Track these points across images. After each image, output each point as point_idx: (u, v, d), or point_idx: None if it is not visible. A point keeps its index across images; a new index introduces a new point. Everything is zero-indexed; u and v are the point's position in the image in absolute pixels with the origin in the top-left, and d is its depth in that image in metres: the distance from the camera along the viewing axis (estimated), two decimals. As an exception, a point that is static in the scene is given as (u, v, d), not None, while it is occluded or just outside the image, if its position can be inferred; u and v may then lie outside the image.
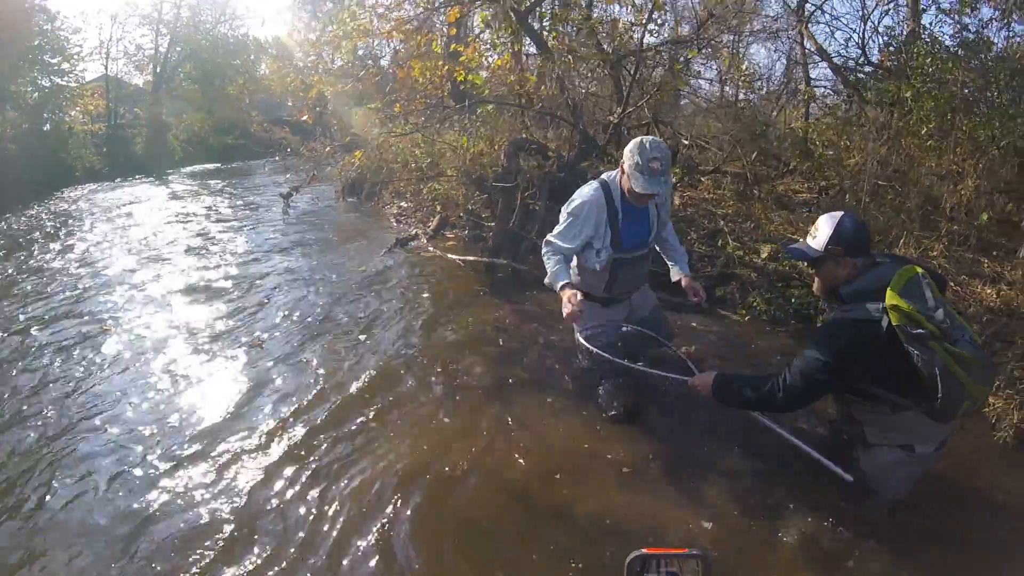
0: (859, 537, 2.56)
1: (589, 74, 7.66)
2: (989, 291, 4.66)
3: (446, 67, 6.88)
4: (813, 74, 8.57)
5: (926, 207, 5.63)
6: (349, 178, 9.28)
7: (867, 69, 7.29)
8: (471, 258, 5.79)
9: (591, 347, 3.05)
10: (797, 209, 6.52)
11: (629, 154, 2.84)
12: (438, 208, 7.13)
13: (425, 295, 5.24)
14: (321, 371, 4.04)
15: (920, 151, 5.33)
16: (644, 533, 2.59)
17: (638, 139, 2.85)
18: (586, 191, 3.08)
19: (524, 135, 6.37)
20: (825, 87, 8.84)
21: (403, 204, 8.48)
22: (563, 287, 3.00)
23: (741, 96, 9.03)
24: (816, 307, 4.82)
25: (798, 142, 7.16)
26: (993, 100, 5.14)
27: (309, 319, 4.87)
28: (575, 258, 3.22)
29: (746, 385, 2.58)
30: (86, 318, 5.07)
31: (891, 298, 2.17)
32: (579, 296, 2.96)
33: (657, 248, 3.46)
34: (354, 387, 3.82)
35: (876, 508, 2.62)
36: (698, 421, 3.37)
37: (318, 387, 3.83)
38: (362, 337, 4.50)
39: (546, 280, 3.19)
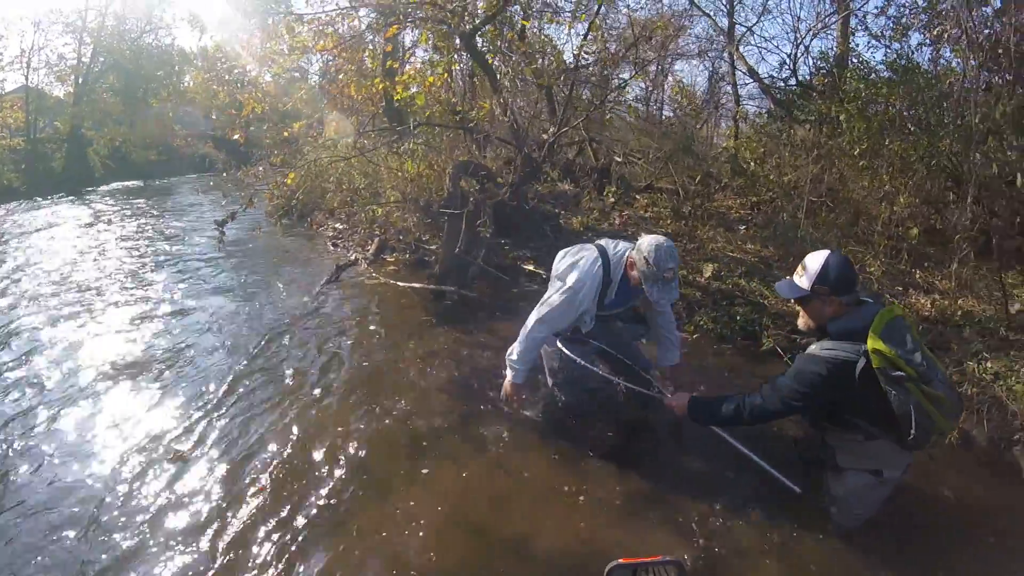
0: (830, 544, 2.68)
1: (539, 96, 7.67)
2: (924, 301, 4.87)
3: (382, 85, 6.73)
4: (742, 93, 8.90)
5: (859, 222, 5.86)
6: (281, 200, 8.97)
7: (796, 88, 7.54)
8: (417, 285, 5.63)
9: (572, 355, 3.25)
10: (733, 226, 6.69)
11: (644, 259, 2.84)
12: (377, 231, 6.93)
13: (371, 327, 5.02)
14: (258, 424, 3.70)
15: (853, 171, 5.53)
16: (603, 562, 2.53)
17: (653, 243, 2.84)
18: (586, 266, 3.07)
19: (465, 157, 6.29)
20: (755, 107, 9.19)
21: (338, 226, 8.23)
22: (515, 385, 3.30)
23: (667, 113, 9.32)
24: (760, 324, 4.91)
25: (729, 159, 7.37)
26: (921, 121, 5.39)
27: (240, 365, 4.40)
28: None
29: (719, 404, 2.73)
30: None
31: (873, 342, 2.27)
32: (519, 398, 3.39)
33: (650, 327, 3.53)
34: (295, 433, 3.57)
35: (844, 527, 2.72)
36: (654, 448, 3.41)
37: (250, 443, 3.50)
38: (305, 377, 4.21)
39: (508, 356, 3.26)
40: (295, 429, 3.59)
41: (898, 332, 2.31)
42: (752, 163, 7.00)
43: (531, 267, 6.14)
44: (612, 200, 7.26)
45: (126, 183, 17.78)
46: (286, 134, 6.97)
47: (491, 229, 5.45)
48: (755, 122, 8.32)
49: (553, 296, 3.12)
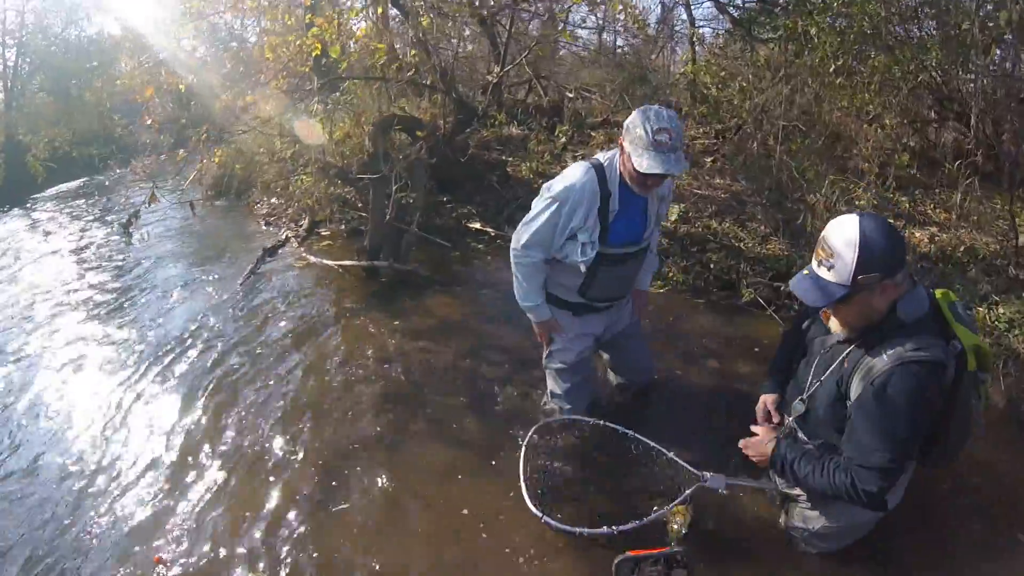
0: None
1: (459, 34, 6.90)
2: (920, 235, 4.29)
3: (299, 41, 5.95)
4: (696, 15, 8.18)
5: (837, 147, 5.23)
6: (211, 179, 8.20)
7: (755, 4, 6.82)
8: (348, 263, 4.95)
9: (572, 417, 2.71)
10: (699, 160, 6.03)
11: (629, 127, 2.20)
12: (309, 203, 6.20)
13: (296, 319, 4.33)
14: (167, 449, 3.16)
15: (829, 90, 4.87)
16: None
17: (640, 109, 2.19)
18: (574, 173, 2.39)
19: (395, 111, 5.55)
20: (711, 28, 8.46)
21: (273, 201, 7.45)
22: (541, 324, 2.72)
23: (620, 43, 8.64)
24: (738, 272, 4.33)
25: (688, 85, 6.66)
26: (907, 35, 4.71)
27: (142, 379, 3.79)
28: None
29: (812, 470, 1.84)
30: None
31: (969, 337, 1.69)
32: (559, 328, 2.72)
33: None
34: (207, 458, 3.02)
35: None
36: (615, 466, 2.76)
37: (164, 464, 3.02)
38: (214, 395, 3.55)
39: (518, 299, 2.66)
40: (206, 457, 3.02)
41: (970, 321, 1.74)
42: (713, 88, 6.29)
43: (477, 225, 5.48)
44: (563, 140, 6.57)
45: (70, 184, 16.88)
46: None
47: (424, 188, 4.78)
48: (713, 44, 7.60)
49: (536, 207, 2.45)
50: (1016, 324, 3.32)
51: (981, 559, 2.29)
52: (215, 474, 2.90)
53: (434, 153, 4.97)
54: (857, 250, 1.60)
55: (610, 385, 3.22)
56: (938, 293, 1.79)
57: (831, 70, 4.73)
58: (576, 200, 2.33)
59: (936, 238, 4.28)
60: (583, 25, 8.52)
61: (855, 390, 1.73)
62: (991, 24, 3.89)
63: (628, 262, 2.55)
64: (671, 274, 4.46)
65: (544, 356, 2.89)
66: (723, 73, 6.48)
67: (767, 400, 2.18)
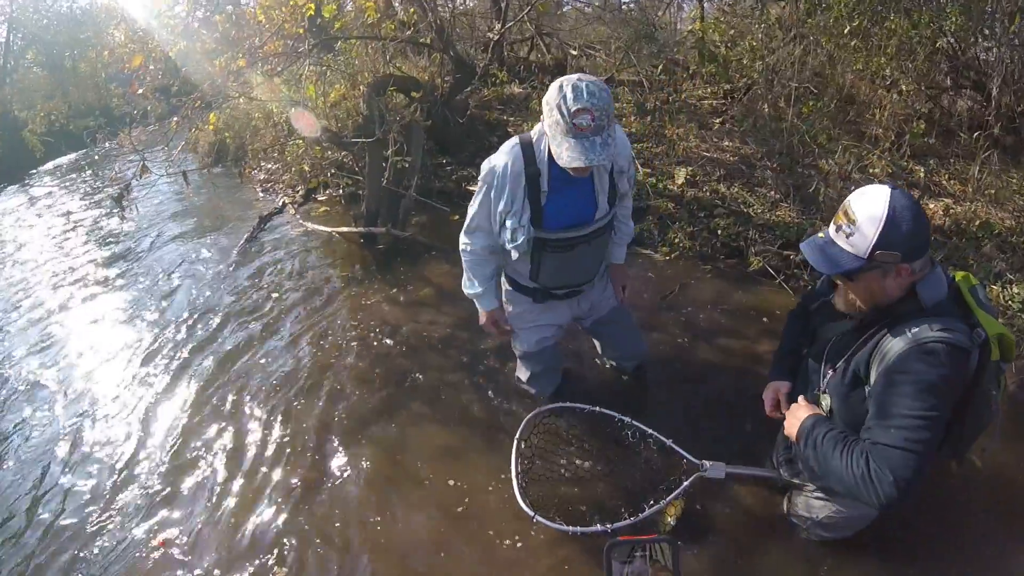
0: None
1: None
2: (934, 207, 4.11)
3: (292, 1, 5.74)
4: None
5: (849, 112, 5.03)
6: (206, 146, 8.03)
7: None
8: (345, 229, 4.81)
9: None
10: (707, 121, 5.83)
11: (547, 107, 1.87)
12: (305, 168, 6.04)
13: (292, 290, 4.22)
14: (167, 430, 3.11)
15: (843, 52, 4.64)
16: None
17: (559, 82, 1.85)
18: (499, 152, 2.14)
19: (392, 71, 5.34)
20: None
21: (270, 166, 7.26)
22: (487, 314, 2.53)
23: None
24: (746, 238, 4.18)
25: (696, 43, 6.40)
26: None
27: (142, 357, 3.71)
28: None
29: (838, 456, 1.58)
30: None
31: (993, 325, 1.54)
32: (505, 322, 2.57)
33: None
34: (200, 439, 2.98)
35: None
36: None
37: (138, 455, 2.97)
38: (208, 371, 3.47)
39: (464, 290, 2.49)
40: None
41: (991, 307, 1.62)
42: (723, 47, 6.04)
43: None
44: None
45: (69, 157, 16.76)
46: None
47: (422, 150, 4.61)
48: (723, 1, 7.31)
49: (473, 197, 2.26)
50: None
51: (985, 549, 2.20)
52: (211, 453, 2.85)
53: (431, 114, 4.78)
54: (882, 223, 1.46)
55: (602, 367, 3.09)
56: (958, 276, 1.65)
57: (846, 31, 4.51)
58: (500, 183, 2.10)
59: (951, 210, 4.10)
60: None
61: (874, 374, 1.59)
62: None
63: (577, 247, 2.23)
64: (677, 239, 4.31)
65: (512, 341, 2.76)
66: (732, 31, 6.24)
67: (779, 389, 1.98)
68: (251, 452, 2.81)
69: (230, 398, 3.18)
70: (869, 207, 1.49)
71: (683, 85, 6.25)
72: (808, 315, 2.03)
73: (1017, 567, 2.11)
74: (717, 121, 5.76)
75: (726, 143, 5.46)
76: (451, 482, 2.53)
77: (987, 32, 4.21)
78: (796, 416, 1.76)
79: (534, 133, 2.09)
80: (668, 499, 2.01)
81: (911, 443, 1.45)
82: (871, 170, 4.37)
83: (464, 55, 5.95)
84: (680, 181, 4.77)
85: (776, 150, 4.90)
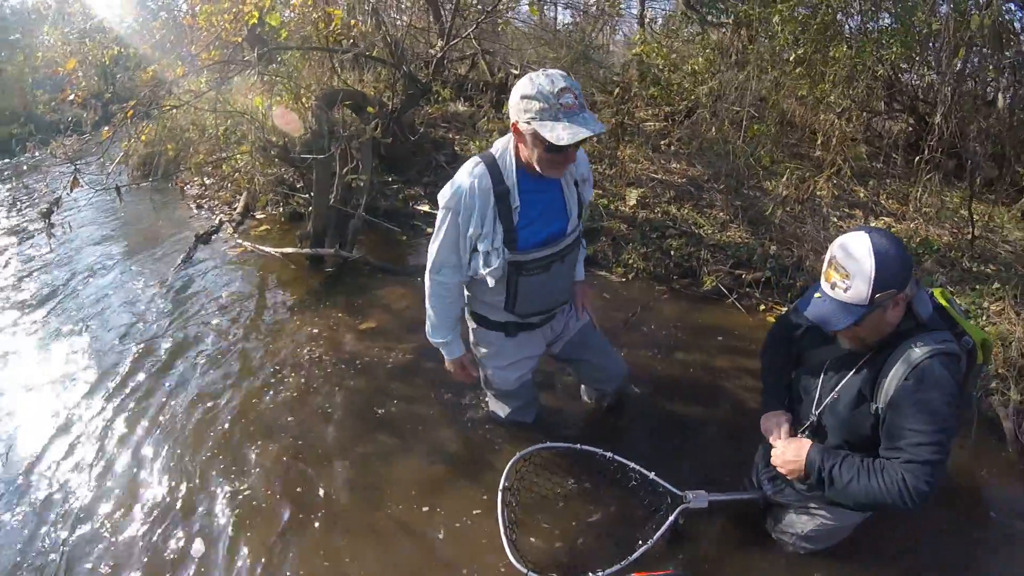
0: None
1: (404, 4, 6.56)
2: (874, 225, 4.30)
3: (235, 8, 5.48)
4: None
5: (790, 135, 5.23)
6: (138, 159, 7.58)
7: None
8: (291, 250, 4.59)
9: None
10: (655, 143, 5.93)
11: (522, 101, 1.80)
12: (243, 184, 5.76)
13: (236, 317, 3.89)
14: (101, 481, 2.75)
15: (788, 78, 4.82)
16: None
17: (525, 78, 1.82)
18: (461, 173, 2.04)
19: (337, 85, 5.19)
20: (661, 8, 8.43)
21: (206, 181, 6.92)
22: (453, 362, 2.42)
23: (565, 20, 8.50)
24: (698, 258, 4.24)
25: (639, 65, 6.53)
26: (866, 29, 4.69)
27: (70, 392, 3.27)
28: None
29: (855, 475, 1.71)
30: None
31: (977, 332, 1.73)
32: (473, 369, 2.47)
33: None
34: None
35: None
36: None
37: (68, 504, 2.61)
38: (148, 414, 3.05)
39: (428, 337, 2.37)
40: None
41: (967, 317, 1.78)
42: (666, 70, 6.17)
43: (426, 207, 5.22)
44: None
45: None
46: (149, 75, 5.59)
47: (371, 169, 4.47)
48: (665, 26, 7.50)
49: (437, 221, 2.12)
50: (970, 315, 3.35)
51: (962, 549, 2.30)
52: (152, 508, 2.50)
53: (386, 131, 4.65)
54: (874, 269, 1.56)
55: (584, 401, 2.99)
56: (936, 292, 1.80)
57: (791, 59, 4.69)
58: (468, 204, 1.99)
59: (892, 228, 4.31)
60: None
61: (887, 389, 1.67)
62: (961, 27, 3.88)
63: (553, 266, 2.14)
64: (631, 260, 4.34)
65: (481, 380, 2.62)
66: (673, 56, 6.40)
67: (781, 420, 1.99)
68: (203, 504, 2.49)
69: (169, 444, 2.82)
70: (857, 258, 1.58)
71: (634, 106, 6.33)
72: (792, 342, 2.07)
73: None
74: (663, 143, 5.86)
75: (674, 165, 5.57)
76: (430, 526, 2.36)
77: (931, 63, 4.45)
78: (789, 467, 1.86)
79: (495, 150, 2.02)
80: (655, 537, 1.96)
81: (937, 454, 1.59)
82: (818, 192, 4.53)
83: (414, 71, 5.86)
84: (632, 202, 4.82)
85: (723, 172, 5.02)
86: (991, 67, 4.24)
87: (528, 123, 1.80)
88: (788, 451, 1.85)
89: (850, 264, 1.59)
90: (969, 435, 2.68)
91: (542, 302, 2.28)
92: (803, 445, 1.82)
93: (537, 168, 1.92)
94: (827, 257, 1.66)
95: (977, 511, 2.49)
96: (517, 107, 1.82)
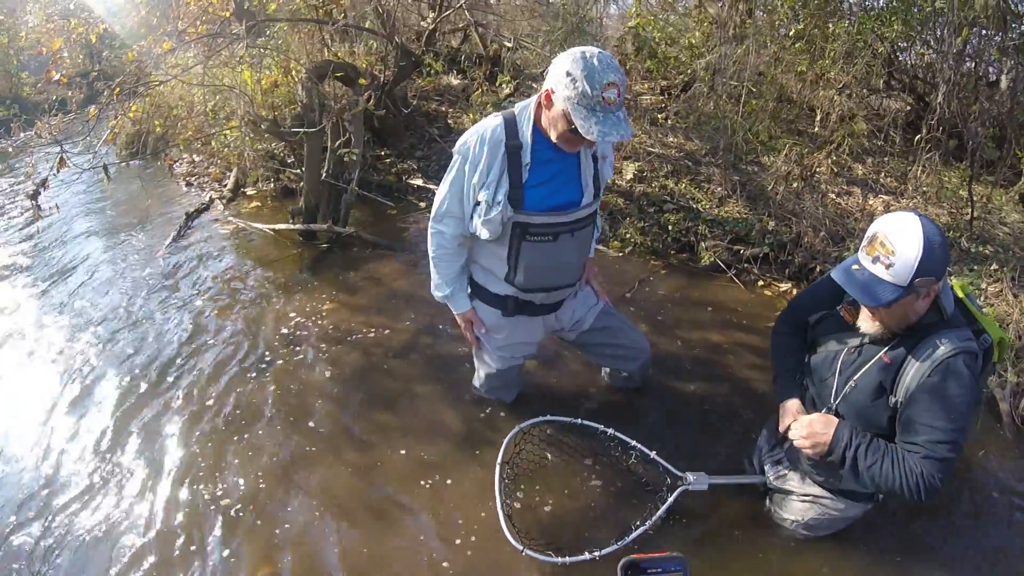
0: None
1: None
2: (873, 202, 4.27)
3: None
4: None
5: (788, 111, 5.17)
6: (125, 137, 7.44)
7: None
8: (283, 227, 4.51)
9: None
10: (652, 117, 5.84)
11: (565, 77, 1.72)
12: (233, 160, 5.65)
13: (228, 295, 3.82)
14: (95, 466, 2.70)
15: (787, 53, 4.74)
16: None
17: (575, 53, 1.72)
18: (478, 125, 2.01)
19: (328, 57, 5.07)
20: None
21: (195, 158, 6.80)
22: (461, 316, 2.35)
23: None
24: (696, 233, 4.20)
25: (634, 39, 6.41)
26: (866, 5, 4.61)
27: (63, 380, 3.18)
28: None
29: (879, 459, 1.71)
30: None
31: (997, 330, 1.75)
32: (482, 326, 2.36)
33: None
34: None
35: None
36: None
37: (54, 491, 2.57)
38: (140, 397, 2.99)
39: (433, 293, 2.31)
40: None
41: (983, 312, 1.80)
42: (663, 44, 6.07)
43: (419, 181, 5.13)
44: (507, 91, 6.24)
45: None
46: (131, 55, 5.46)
47: (363, 143, 4.38)
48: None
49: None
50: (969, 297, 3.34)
51: (958, 527, 2.31)
52: (149, 490, 2.45)
53: (379, 103, 4.55)
54: (921, 252, 1.52)
55: (584, 378, 2.94)
56: (956, 286, 1.79)
57: (790, 34, 4.61)
58: (477, 152, 1.95)
59: (891, 207, 4.27)
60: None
61: (908, 384, 1.66)
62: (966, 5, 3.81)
63: (561, 236, 2.05)
64: (628, 235, 4.30)
65: (472, 349, 2.57)
66: (670, 28, 6.29)
67: (794, 408, 1.99)
68: (196, 491, 2.44)
69: (160, 423, 2.78)
70: (906, 237, 1.54)
71: (630, 79, 6.24)
72: (803, 328, 2.04)
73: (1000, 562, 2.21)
74: (660, 116, 5.77)
75: (671, 139, 5.49)
76: (429, 503, 2.34)
77: (931, 42, 4.39)
78: (820, 423, 1.82)
79: (516, 108, 1.98)
80: (654, 518, 1.96)
81: (952, 452, 1.61)
82: (818, 169, 4.48)
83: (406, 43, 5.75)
84: (629, 176, 4.75)
85: (720, 146, 4.95)
86: (995, 48, 4.16)
87: (564, 101, 1.75)
88: (816, 423, 1.81)
89: (897, 242, 1.55)
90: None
91: (546, 276, 2.17)
92: (831, 420, 1.81)
93: (552, 138, 1.90)
94: (871, 232, 1.62)
95: (974, 491, 2.47)
96: (559, 80, 1.75)
